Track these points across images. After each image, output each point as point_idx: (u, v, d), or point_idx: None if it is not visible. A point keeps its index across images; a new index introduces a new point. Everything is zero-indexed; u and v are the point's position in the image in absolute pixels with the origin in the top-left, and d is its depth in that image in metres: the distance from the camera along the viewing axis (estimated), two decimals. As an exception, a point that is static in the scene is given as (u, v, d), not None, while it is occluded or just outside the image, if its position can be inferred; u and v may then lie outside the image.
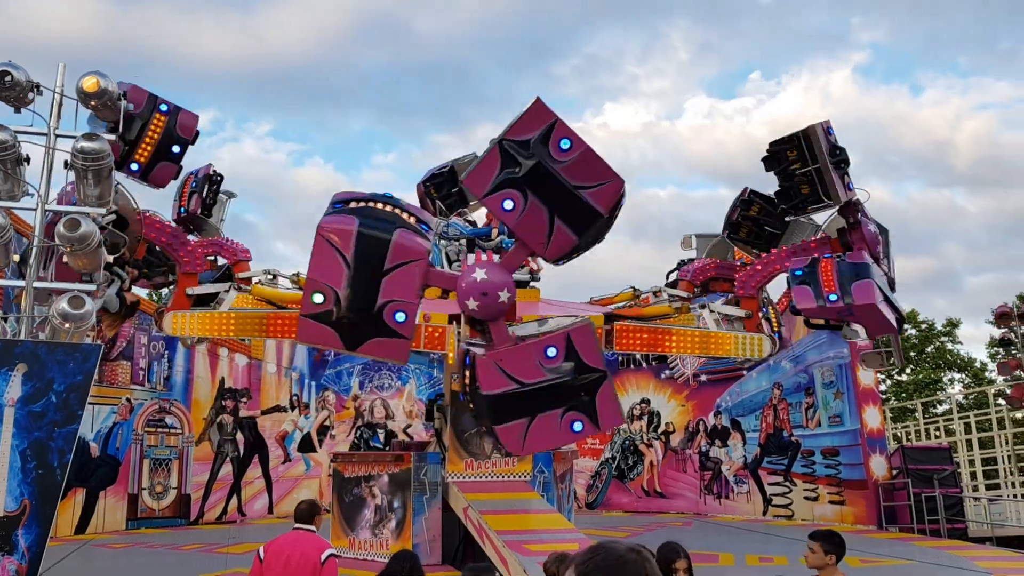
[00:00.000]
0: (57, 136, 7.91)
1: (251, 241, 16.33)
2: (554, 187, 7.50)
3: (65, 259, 7.75)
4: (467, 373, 7.94)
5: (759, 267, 12.39)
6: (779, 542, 15.36)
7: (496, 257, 8.61)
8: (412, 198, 15.52)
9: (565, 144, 7.48)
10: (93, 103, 8.23)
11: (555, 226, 7.59)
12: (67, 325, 7.22)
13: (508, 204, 7.59)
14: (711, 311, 12.63)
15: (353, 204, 7.82)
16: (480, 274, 7.87)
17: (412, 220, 7.94)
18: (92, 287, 7.67)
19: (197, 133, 10.37)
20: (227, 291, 11.67)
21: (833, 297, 10.47)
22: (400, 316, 7.67)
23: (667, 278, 14.27)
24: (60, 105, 7.96)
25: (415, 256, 7.64)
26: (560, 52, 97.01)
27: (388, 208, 7.92)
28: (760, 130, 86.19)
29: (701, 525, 19.55)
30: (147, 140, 9.88)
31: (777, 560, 13.36)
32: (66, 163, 7.68)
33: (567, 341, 7.73)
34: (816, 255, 11.20)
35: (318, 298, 7.58)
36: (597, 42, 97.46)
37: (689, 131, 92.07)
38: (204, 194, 12.47)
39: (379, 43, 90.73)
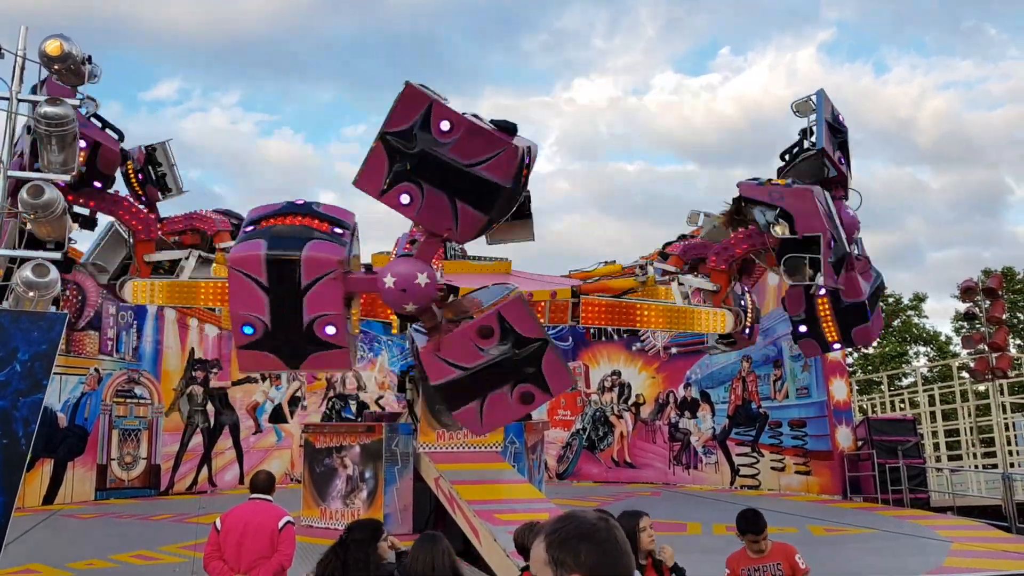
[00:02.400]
0: (20, 100, 7.73)
1: (220, 212, 15.94)
2: (446, 171, 7.15)
3: (29, 226, 7.60)
4: (417, 362, 7.91)
5: (733, 242, 12.20)
6: (746, 512, 15.56)
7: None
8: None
9: (446, 126, 7.12)
10: (56, 67, 8.05)
11: (458, 208, 7.28)
12: (31, 294, 7.10)
13: (405, 199, 7.24)
14: (680, 284, 12.54)
15: (264, 223, 7.58)
16: (389, 280, 7.56)
17: (325, 227, 7.68)
18: (57, 255, 7.54)
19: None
20: (186, 259, 11.51)
21: None
22: (330, 329, 7.44)
23: (663, 248, 14.10)
24: (23, 68, 7.76)
25: (328, 268, 7.36)
26: (529, 26, 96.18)
27: (299, 220, 7.68)
28: (726, 106, 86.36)
29: (670, 495, 19.79)
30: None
31: (744, 529, 13.52)
32: (28, 128, 7.52)
33: (499, 319, 7.56)
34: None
35: (248, 330, 7.39)
36: (567, 17, 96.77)
37: (657, 106, 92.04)
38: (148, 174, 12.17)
39: (346, 12, 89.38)
